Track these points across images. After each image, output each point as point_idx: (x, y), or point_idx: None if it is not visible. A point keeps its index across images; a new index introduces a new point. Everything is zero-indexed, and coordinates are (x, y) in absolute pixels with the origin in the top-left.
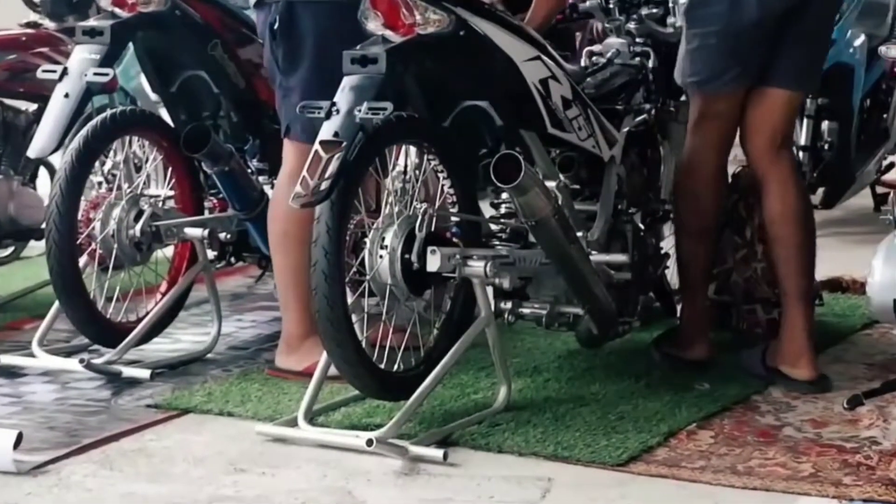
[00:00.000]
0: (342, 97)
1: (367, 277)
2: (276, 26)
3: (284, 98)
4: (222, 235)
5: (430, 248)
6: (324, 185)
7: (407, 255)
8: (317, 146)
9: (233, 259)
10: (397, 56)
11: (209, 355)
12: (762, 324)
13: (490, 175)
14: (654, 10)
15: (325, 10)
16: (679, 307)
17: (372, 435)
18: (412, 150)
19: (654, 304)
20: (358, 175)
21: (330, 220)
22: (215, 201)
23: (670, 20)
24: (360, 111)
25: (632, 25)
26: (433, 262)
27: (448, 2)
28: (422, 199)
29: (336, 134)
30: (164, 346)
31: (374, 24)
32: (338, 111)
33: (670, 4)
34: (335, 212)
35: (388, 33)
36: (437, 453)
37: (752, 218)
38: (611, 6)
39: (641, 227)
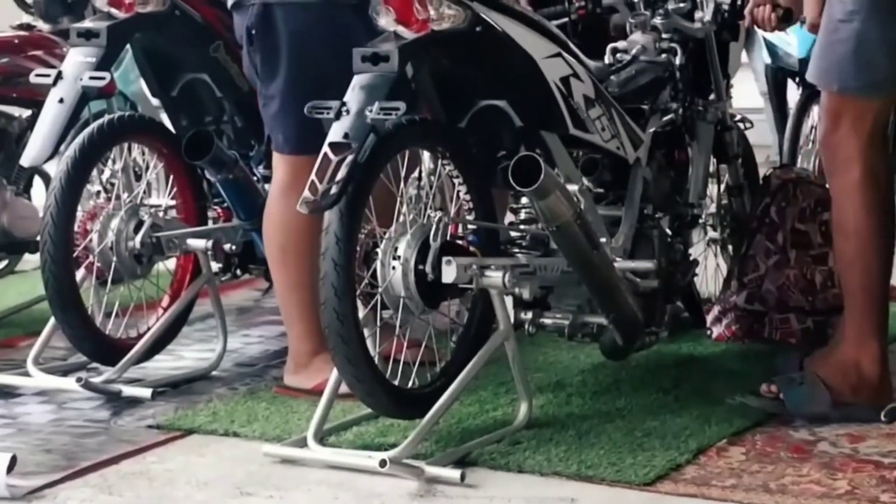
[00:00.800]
0: (352, 97)
1: (380, 290)
2: (253, 30)
3: (265, 107)
4: (227, 246)
5: (445, 259)
6: (333, 190)
7: (421, 266)
8: (326, 148)
9: (238, 271)
10: (410, 53)
11: (214, 373)
12: (796, 333)
13: (508, 178)
14: (682, 5)
15: (303, 12)
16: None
17: (385, 455)
18: (426, 154)
19: (682, 314)
20: (369, 179)
21: (339, 229)
22: (219, 211)
23: (698, 15)
24: (371, 111)
25: (658, 20)
26: (449, 273)
27: None
28: (437, 206)
29: (346, 135)
30: (167, 364)
31: (385, 20)
32: (348, 111)
33: None
34: (345, 221)
35: (401, 29)
36: (455, 474)
37: (783, 223)
38: (636, 0)
39: (669, 232)
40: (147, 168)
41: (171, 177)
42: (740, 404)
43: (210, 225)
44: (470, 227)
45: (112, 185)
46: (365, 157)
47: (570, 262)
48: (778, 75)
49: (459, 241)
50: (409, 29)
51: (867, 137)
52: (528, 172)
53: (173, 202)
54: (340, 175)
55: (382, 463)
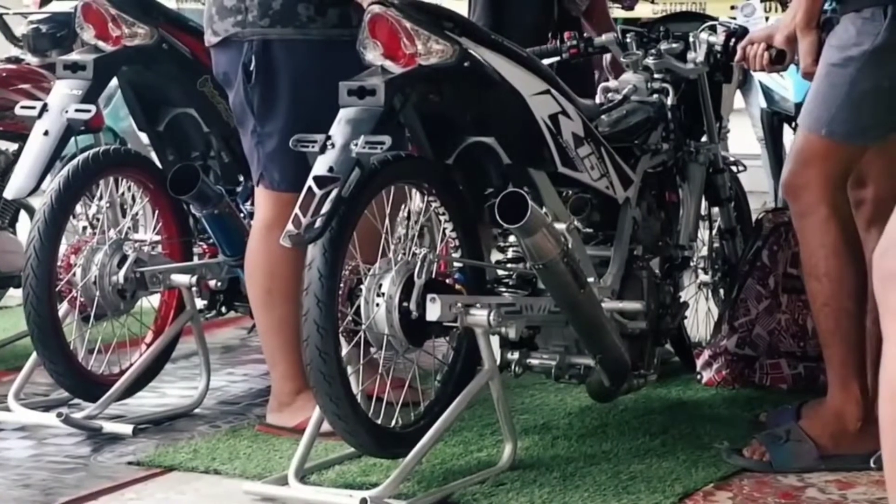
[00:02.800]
0: (338, 130)
1: (363, 327)
2: (251, 67)
3: (258, 144)
4: (212, 283)
5: (429, 296)
6: (317, 223)
7: (405, 303)
8: (310, 182)
9: (223, 308)
10: (397, 88)
11: (196, 410)
12: (787, 379)
13: (495, 215)
14: (674, 45)
15: (304, 48)
16: None
17: (366, 494)
18: (414, 191)
19: (672, 358)
20: (353, 214)
21: (322, 265)
22: (205, 247)
23: (690, 55)
24: (356, 145)
25: (650, 60)
26: (433, 311)
27: (452, 31)
28: (424, 243)
29: (331, 169)
30: (149, 401)
31: (373, 55)
32: (333, 145)
33: (691, 40)
34: (328, 256)
35: (388, 63)
36: None
37: (775, 267)
38: (627, 40)
39: (658, 274)
40: (132, 202)
41: (157, 211)
42: (728, 449)
43: (195, 261)
44: (456, 264)
45: (98, 220)
46: (349, 192)
47: (557, 302)
48: (774, 119)
49: (446, 280)
50: (397, 63)
51: (834, 180)
52: (515, 209)
53: (158, 237)
54: (325, 209)
55: (363, 502)
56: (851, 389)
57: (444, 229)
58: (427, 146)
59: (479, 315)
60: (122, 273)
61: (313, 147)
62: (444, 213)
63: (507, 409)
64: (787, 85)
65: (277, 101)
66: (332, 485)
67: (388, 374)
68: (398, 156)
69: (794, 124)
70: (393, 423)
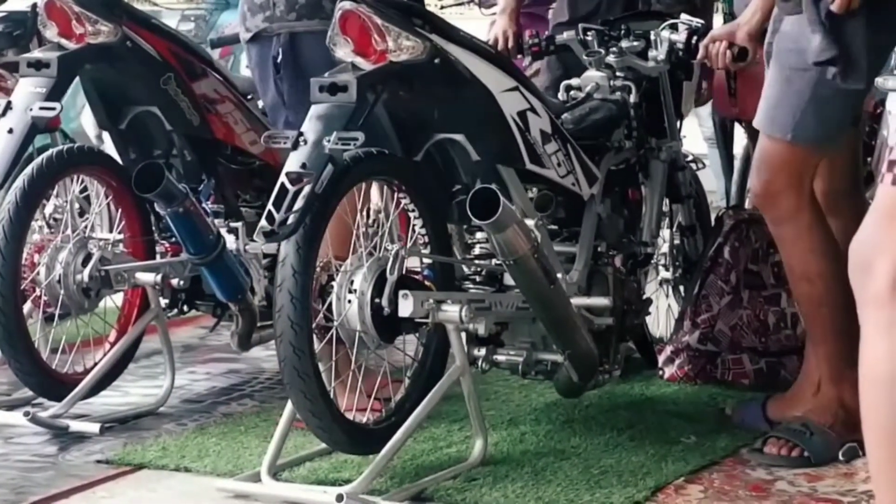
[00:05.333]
0: (309, 127)
1: (335, 324)
2: (279, 59)
3: None
4: (175, 282)
5: (402, 292)
6: (290, 220)
7: (377, 300)
8: (282, 178)
9: (185, 307)
10: (368, 84)
11: (161, 409)
12: (749, 374)
13: (466, 211)
14: (635, 44)
15: None
16: None
17: (342, 490)
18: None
19: (633, 354)
20: (326, 211)
21: (296, 262)
22: (167, 245)
23: (652, 54)
24: (328, 141)
25: (612, 59)
26: (405, 307)
27: (422, 28)
28: (393, 239)
29: (304, 165)
30: (113, 400)
31: (343, 51)
32: (305, 141)
33: (652, 38)
34: (302, 253)
35: (359, 60)
36: None
37: (737, 263)
38: (588, 38)
39: (623, 270)
40: (93, 201)
41: (119, 210)
42: (696, 443)
43: (159, 259)
44: (426, 261)
45: (56, 220)
46: (322, 188)
47: (527, 298)
48: (725, 119)
49: (415, 276)
50: (367, 60)
51: (806, 183)
52: (487, 205)
53: (120, 236)
54: (298, 205)
55: (339, 498)
56: (848, 378)
57: (414, 226)
58: (395, 143)
59: (451, 311)
60: (87, 271)
61: (285, 143)
62: (413, 210)
63: (478, 404)
64: None
65: (305, 92)
66: (304, 481)
67: (360, 371)
68: (369, 152)
69: (742, 123)
70: (365, 419)
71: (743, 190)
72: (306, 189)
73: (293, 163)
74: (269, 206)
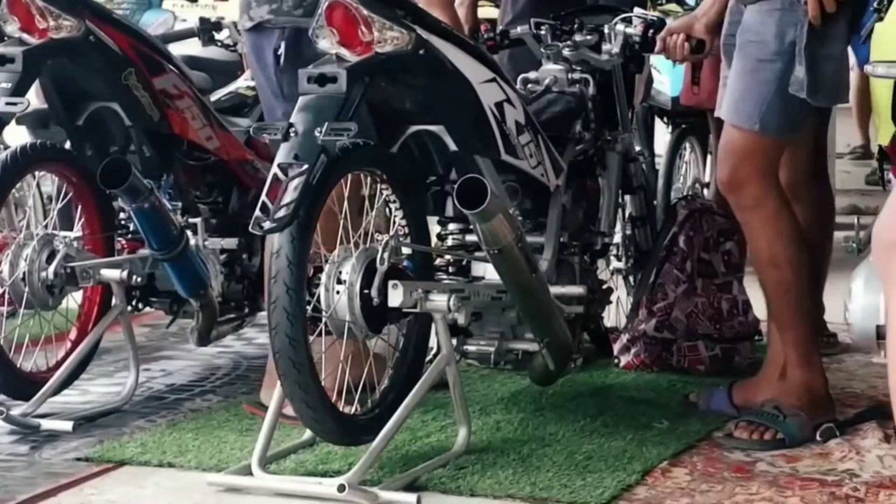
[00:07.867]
0: (299, 118)
1: (325, 315)
2: (279, 52)
3: None
4: (135, 278)
5: (391, 282)
6: (284, 212)
7: (366, 290)
8: (275, 169)
9: (140, 304)
10: (357, 75)
11: (126, 406)
12: (704, 360)
13: (440, 203)
14: (589, 37)
15: None
16: None
17: (343, 479)
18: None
19: (586, 343)
20: (319, 201)
21: (291, 253)
22: (124, 242)
23: (605, 47)
24: (320, 132)
25: (567, 52)
26: (395, 297)
27: (405, 19)
28: (378, 230)
29: (296, 156)
30: (74, 398)
31: (327, 43)
32: (296, 132)
33: (606, 31)
34: (296, 244)
35: (344, 52)
36: (410, 498)
37: (692, 251)
38: (542, 33)
39: (588, 260)
40: (54, 197)
41: (80, 206)
42: (668, 428)
43: (117, 256)
44: (406, 252)
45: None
46: (317, 179)
47: (509, 287)
48: (647, 114)
49: (399, 267)
50: (353, 51)
51: (773, 171)
52: (472, 195)
53: (80, 233)
54: (291, 197)
55: (341, 488)
56: (815, 362)
57: (395, 217)
58: (373, 134)
59: (440, 300)
60: (52, 268)
61: (275, 134)
62: (394, 202)
63: (462, 393)
64: (663, 80)
65: None
66: (293, 473)
67: (348, 362)
68: (356, 143)
69: (665, 118)
70: (353, 409)
71: (669, 184)
72: (301, 180)
73: (285, 154)
74: (263, 197)
